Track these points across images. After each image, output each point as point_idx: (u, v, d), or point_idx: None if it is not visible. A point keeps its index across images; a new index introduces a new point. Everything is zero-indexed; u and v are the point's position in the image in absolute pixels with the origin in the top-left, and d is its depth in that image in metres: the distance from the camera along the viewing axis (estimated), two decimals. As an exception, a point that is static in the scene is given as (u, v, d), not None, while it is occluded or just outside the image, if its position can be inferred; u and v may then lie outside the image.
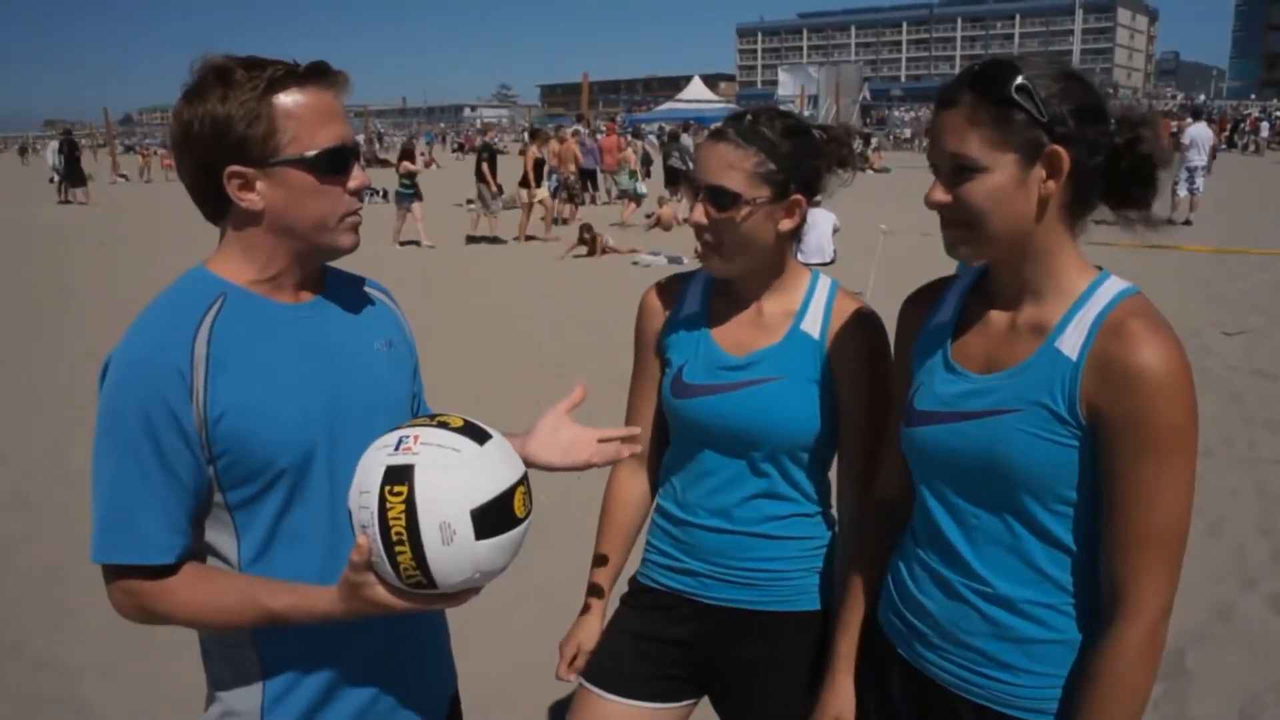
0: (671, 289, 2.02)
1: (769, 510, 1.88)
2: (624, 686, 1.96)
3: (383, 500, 1.30)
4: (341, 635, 1.51)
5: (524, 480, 1.40)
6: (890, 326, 1.81)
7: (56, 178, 26.04)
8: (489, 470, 1.35)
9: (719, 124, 1.85)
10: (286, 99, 1.42)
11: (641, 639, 1.99)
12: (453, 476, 1.31)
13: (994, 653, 1.52)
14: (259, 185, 1.44)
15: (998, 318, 1.54)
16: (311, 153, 1.44)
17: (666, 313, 1.99)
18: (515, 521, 1.37)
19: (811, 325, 1.85)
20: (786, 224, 1.81)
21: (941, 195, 1.45)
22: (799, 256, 1.95)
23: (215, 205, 1.49)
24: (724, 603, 1.92)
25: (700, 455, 1.91)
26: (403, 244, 15.83)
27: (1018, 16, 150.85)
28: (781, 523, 1.89)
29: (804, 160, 1.79)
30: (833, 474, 1.94)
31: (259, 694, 1.52)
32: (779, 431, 1.82)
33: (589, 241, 14.30)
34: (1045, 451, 1.42)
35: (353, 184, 1.51)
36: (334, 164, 1.47)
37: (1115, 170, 1.44)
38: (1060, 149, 1.39)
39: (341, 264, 1.63)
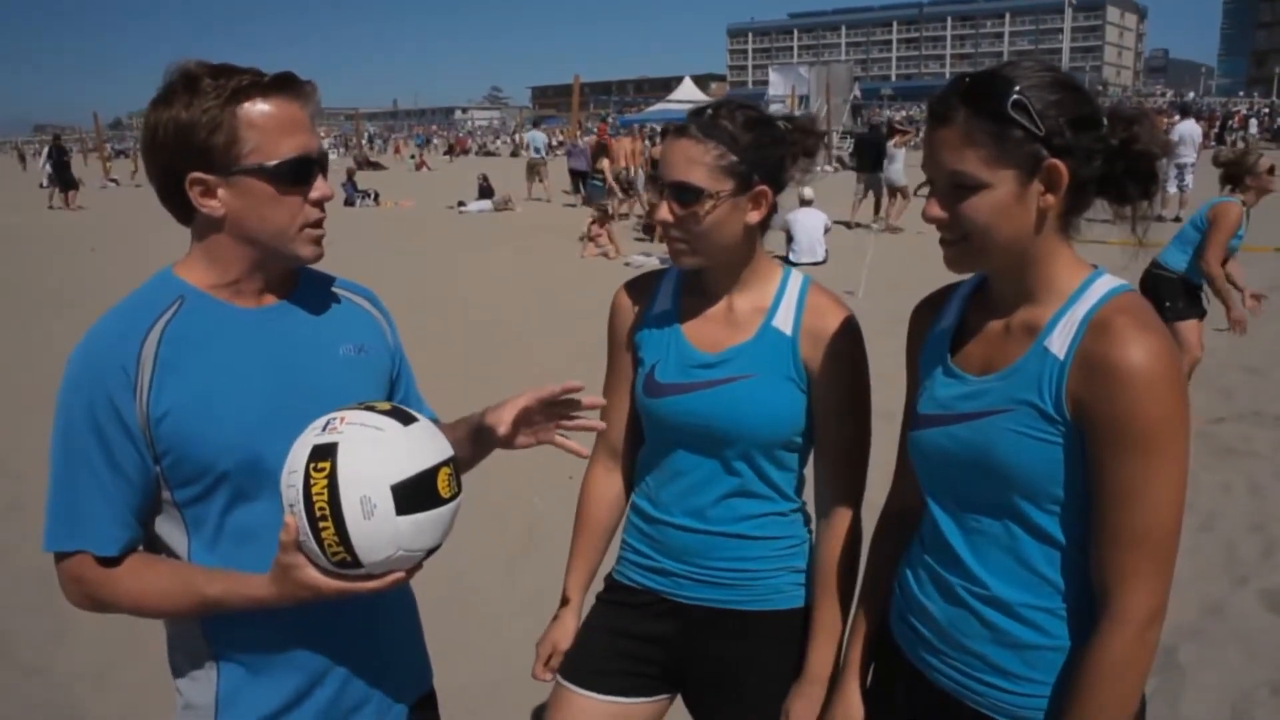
0: (643, 287, 2.01)
1: (743, 509, 1.88)
2: (597, 681, 1.97)
3: (307, 477, 1.33)
4: (299, 634, 1.53)
5: (450, 462, 1.42)
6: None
7: (46, 183, 25.92)
8: (411, 449, 1.38)
9: (681, 120, 1.84)
10: (250, 108, 1.44)
11: (616, 635, 1.99)
12: (374, 452, 1.35)
13: (992, 658, 1.51)
14: (220, 192, 1.46)
15: (995, 321, 1.55)
16: (272, 163, 1.46)
17: (638, 311, 1.98)
18: (439, 501, 1.39)
19: (783, 322, 1.85)
20: (754, 216, 1.81)
21: (938, 211, 1.46)
22: (792, 256, 1.95)
23: (182, 209, 1.52)
24: (698, 602, 1.92)
25: (673, 454, 1.91)
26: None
27: (1007, 15, 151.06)
28: (756, 522, 1.88)
29: (766, 151, 1.79)
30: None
31: (213, 689, 1.55)
32: (752, 429, 1.82)
33: (602, 220, 14.43)
34: (1035, 451, 1.42)
35: (314, 194, 1.52)
36: (295, 174, 1.48)
37: (1112, 172, 1.44)
38: (1058, 163, 1.39)
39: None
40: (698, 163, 1.75)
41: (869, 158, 16.91)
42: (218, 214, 1.47)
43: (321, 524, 1.32)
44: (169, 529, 1.52)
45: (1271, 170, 5.73)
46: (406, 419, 1.41)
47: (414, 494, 1.35)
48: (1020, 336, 1.49)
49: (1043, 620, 1.48)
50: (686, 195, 1.76)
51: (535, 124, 35.07)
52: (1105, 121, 1.43)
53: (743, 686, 1.92)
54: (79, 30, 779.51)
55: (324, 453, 1.33)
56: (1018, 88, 1.37)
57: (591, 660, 1.99)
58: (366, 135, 63.33)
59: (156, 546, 1.54)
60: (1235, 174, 5.76)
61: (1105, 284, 1.46)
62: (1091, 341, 1.39)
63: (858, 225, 15.97)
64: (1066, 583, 1.47)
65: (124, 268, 13.32)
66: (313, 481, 1.32)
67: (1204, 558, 4.42)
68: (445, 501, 1.40)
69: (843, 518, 1.86)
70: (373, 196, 23.91)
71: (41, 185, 26.78)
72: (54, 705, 3.57)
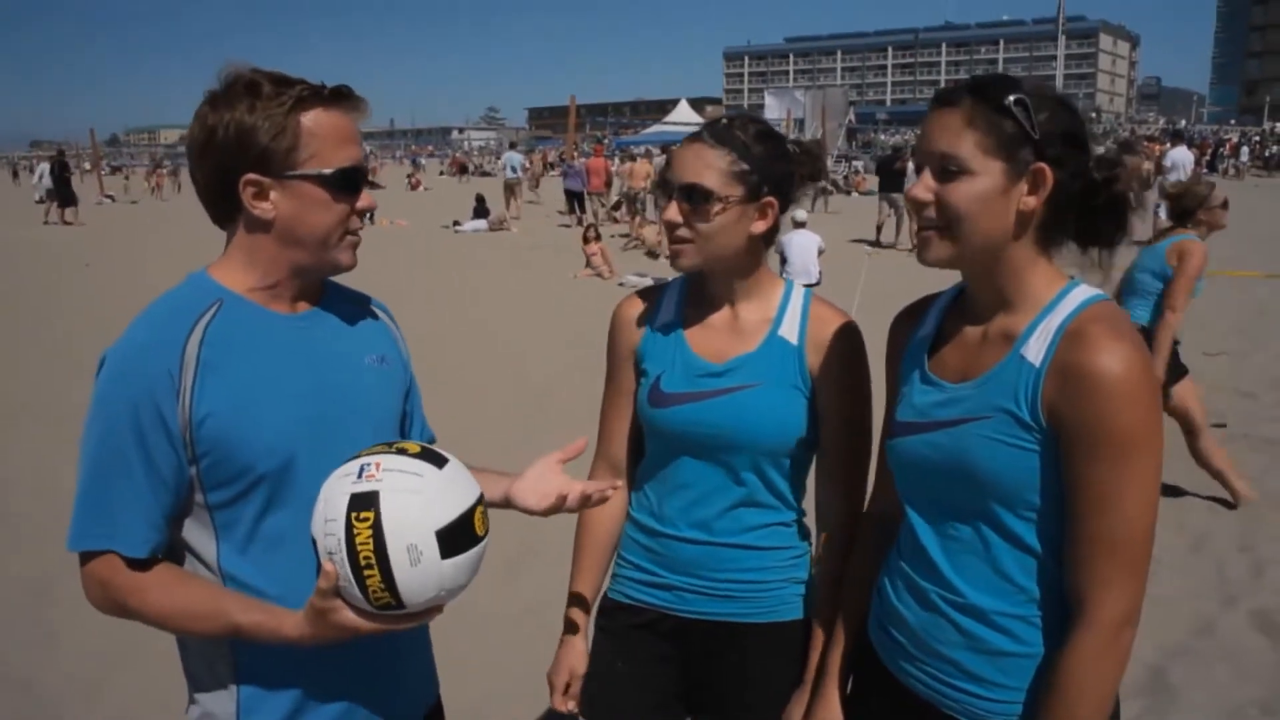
0: (645, 300, 2.02)
1: (749, 520, 1.88)
2: (620, 718, 1.96)
3: (350, 527, 1.33)
4: (319, 646, 1.52)
5: (481, 500, 1.45)
6: (875, 344, 1.84)
7: (44, 198, 25.90)
8: (450, 492, 1.40)
9: (696, 130, 1.88)
10: (312, 117, 1.49)
11: (626, 663, 1.98)
12: (417, 500, 1.36)
13: (967, 665, 1.53)
14: (273, 195, 1.50)
15: (972, 329, 1.57)
16: (328, 170, 1.51)
17: (641, 324, 1.99)
18: (476, 540, 1.41)
19: (789, 331, 1.87)
20: (760, 225, 1.83)
21: (923, 192, 1.47)
22: (784, 277, 1.97)
23: (225, 209, 1.54)
24: (703, 616, 1.92)
25: (678, 465, 1.90)
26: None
27: (1001, 41, 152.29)
28: (761, 532, 1.89)
29: (777, 163, 1.82)
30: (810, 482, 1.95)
31: (234, 698, 1.54)
32: (760, 437, 1.83)
33: (593, 238, 14.59)
34: (1010, 457, 1.44)
35: (361, 204, 1.58)
36: (347, 183, 1.54)
37: (1091, 205, 1.48)
38: (1045, 167, 1.42)
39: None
40: (710, 166, 1.78)
41: (888, 180, 17.80)
42: (268, 216, 1.50)
43: (366, 572, 1.34)
44: (197, 534, 1.52)
45: (1225, 204, 5.25)
46: (439, 460, 1.43)
47: (456, 537, 1.38)
48: (997, 344, 1.51)
49: (1017, 628, 1.49)
50: (696, 196, 1.78)
51: (512, 145, 36.71)
52: (1092, 158, 1.48)
53: (750, 700, 1.91)
54: (76, 48, 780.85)
55: (365, 502, 1.34)
56: (1023, 89, 1.43)
57: (609, 696, 1.98)
58: (365, 154, 63.44)
59: (181, 551, 1.54)
60: (1187, 207, 5.15)
61: (1081, 293, 1.48)
62: (1067, 349, 1.41)
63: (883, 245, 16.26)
64: (1041, 590, 1.48)
65: (117, 281, 13.33)
66: (356, 531, 1.33)
67: (1194, 578, 4.43)
68: (481, 539, 1.43)
69: (846, 525, 1.88)
70: (369, 215, 23.96)
71: (38, 200, 26.76)
72: (43, 717, 3.54)
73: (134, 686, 3.64)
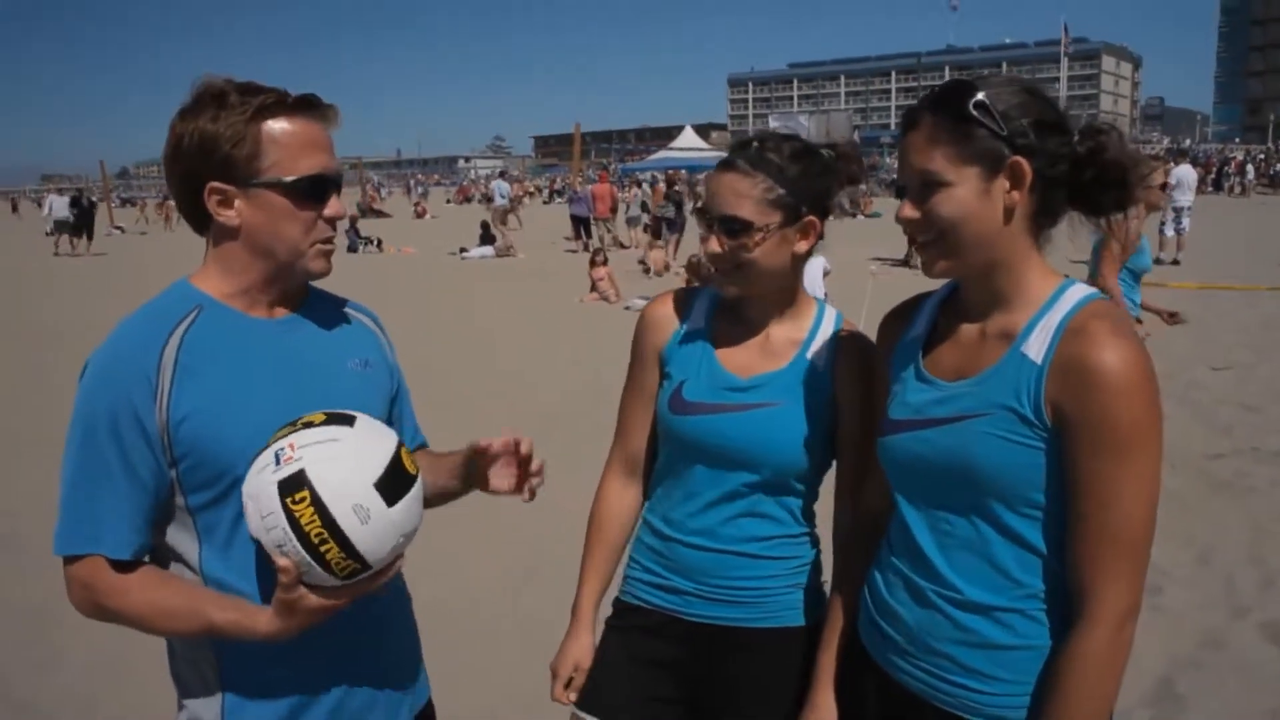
0: (677, 303, 2.00)
1: (755, 530, 1.88)
2: (621, 715, 1.94)
3: (289, 514, 1.34)
4: (302, 646, 1.52)
5: (401, 442, 1.46)
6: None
7: (53, 230, 26.07)
8: (371, 444, 1.42)
9: (728, 154, 1.86)
10: (273, 125, 1.50)
11: (633, 664, 1.97)
12: (344, 462, 1.37)
13: (962, 659, 1.52)
14: (237, 203, 1.51)
15: (968, 327, 1.57)
16: (290, 178, 1.51)
17: (670, 327, 1.98)
18: (411, 479, 1.43)
19: (818, 353, 1.87)
20: (803, 245, 1.83)
21: (910, 211, 1.49)
22: None
23: (198, 218, 1.56)
24: (708, 620, 1.91)
25: (692, 473, 1.90)
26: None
27: (1004, 65, 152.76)
28: (767, 543, 1.89)
29: (813, 181, 1.81)
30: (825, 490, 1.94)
31: (219, 701, 1.54)
32: (778, 456, 1.83)
33: (600, 263, 14.69)
34: (1012, 454, 1.43)
35: (328, 211, 1.57)
36: (311, 191, 1.53)
37: (1080, 179, 1.48)
38: (1021, 160, 1.43)
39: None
40: (746, 196, 1.77)
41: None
42: (233, 224, 1.52)
43: (324, 548, 1.34)
44: (180, 537, 1.53)
45: (1164, 187, 5.12)
46: (348, 420, 1.44)
47: (393, 483, 1.39)
48: (995, 342, 1.51)
49: (1015, 621, 1.48)
50: (735, 228, 1.78)
51: (500, 174, 38.51)
52: (1076, 132, 1.48)
53: (752, 705, 1.90)
54: (87, 82, 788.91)
55: (295, 484, 1.34)
56: (981, 92, 1.43)
57: (613, 693, 1.96)
58: (374, 183, 63.96)
59: (166, 554, 1.54)
60: None
61: (1078, 291, 1.49)
62: (1068, 346, 1.41)
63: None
64: (1038, 584, 1.47)
65: (125, 309, 13.39)
66: (298, 514, 1.33)
67: (1203, 590, 4.40)
68: (416, 476, 1.44)
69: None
70: (376, 243, 24.09)
71: (47, 233, 26.96)
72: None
73: (127, 700, 3.64)
